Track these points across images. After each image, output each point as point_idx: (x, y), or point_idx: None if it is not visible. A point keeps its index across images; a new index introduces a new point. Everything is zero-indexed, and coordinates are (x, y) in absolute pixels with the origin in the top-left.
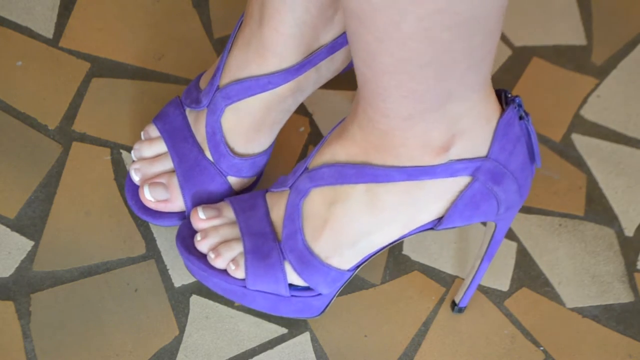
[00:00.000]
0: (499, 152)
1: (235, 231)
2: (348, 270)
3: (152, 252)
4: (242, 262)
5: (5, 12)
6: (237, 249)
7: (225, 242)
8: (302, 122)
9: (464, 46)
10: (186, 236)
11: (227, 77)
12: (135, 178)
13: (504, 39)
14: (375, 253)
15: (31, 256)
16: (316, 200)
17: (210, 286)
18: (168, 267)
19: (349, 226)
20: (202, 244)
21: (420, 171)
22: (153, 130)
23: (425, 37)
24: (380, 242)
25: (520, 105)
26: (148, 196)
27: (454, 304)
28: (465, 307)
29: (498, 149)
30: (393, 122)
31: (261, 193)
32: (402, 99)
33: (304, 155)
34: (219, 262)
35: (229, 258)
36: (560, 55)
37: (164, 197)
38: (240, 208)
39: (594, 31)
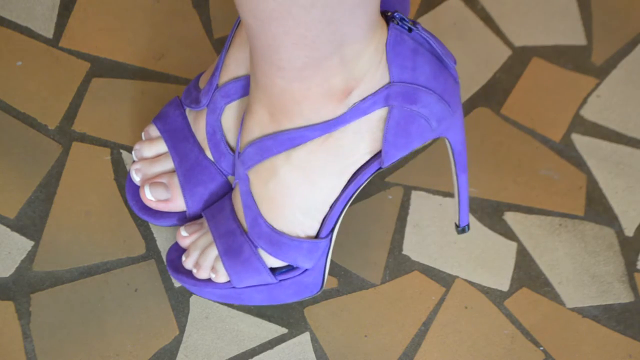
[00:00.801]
0: (400, 72)
1: (208, 237)
2: (319, 238)
3: (152, 252)
4: (219, 266)
5: (5, 12)
6: (212, 254)
7: (202, 251)
8: None
9: None
10: (174, 258)
11: (225, 76)
12: (136, 178)
13: (504, 39)
14: (338, 213)
15: (31, 256)
16: (255, 182)
17: (207, 297)
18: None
19: (291, 196)
20: (187, 262)
21: (331, 124)
22: (153, 130)
23: None
24: (327, 199)
25: (402, 19)
26: (149, 196)
27: (456, 226)
28: (468, 225)
29: (397, 70)
30: (289, 74)
31: (230, 194)
32: (294, 47)
33: None
34: (201, 274)
35: (209, 267)
36: (560, 55)
37: (165, 197)
38: (210, 214)
39: (594, 31)
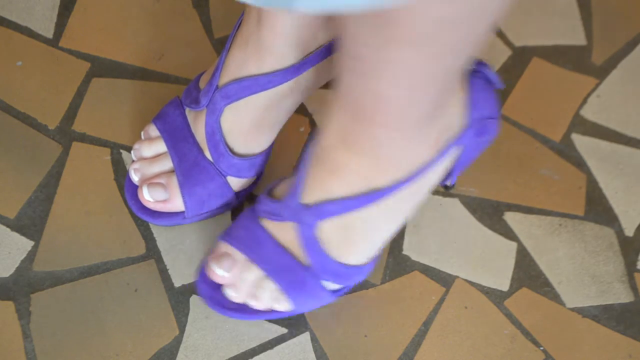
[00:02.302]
0: (478, 114)
1: (256, 271)
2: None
3: (152, 252)
4: (282, 297)
5: (5, 12)
6: (270, 286)
7: (257, 285)
8: (302, 122)
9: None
10: (213, 295)
11: (226, 77)
12: (135, 178)
13: (504, 39)
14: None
15: (31, 256)
16: (328, 228)
17: (264, 318)
18: (168, 267)
19: (372, 235)
20: (239, 298)
21: (423, 170)
22: (153, 130)
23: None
24: (396, 229)
25: (482, 70)
26: (147, 196)
27: (445, 186)
28: (454, 185)
29: (477, 112)
30: (394, 133)
31: (253, 222)
32: (409, 102)
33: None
34: (262, 305)
35: (269, 298)
36: (560, 55)
37: (163, 197)
38: (246, 247)
39: (594, 31)
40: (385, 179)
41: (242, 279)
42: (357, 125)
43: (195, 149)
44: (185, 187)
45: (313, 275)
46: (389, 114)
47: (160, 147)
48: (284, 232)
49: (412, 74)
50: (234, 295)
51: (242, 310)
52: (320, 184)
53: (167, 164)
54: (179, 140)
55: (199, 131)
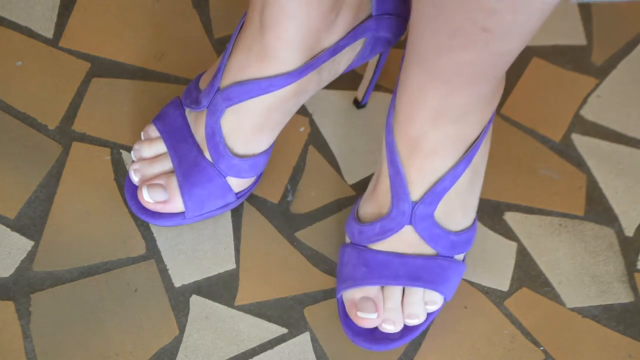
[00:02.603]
0: (380, 8)
1: (397, 291)
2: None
3: (152, 252)
4: (431, 297)
5: (5, 12)
6: (417, 297)
7: (408, 304)
8: (302, 122)
9: None
10: (369, 338)
11: (227, 79)
12: (135, 178)
13: None
14: None
15: (31, 256)
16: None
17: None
18: (168, 267)
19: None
20: (398, 326)
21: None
22: (153, 131)
23: None
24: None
25: None
26: (147, 197)
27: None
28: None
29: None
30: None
31: (177, 109)
32: None
33: (304, 155)
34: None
35: (420, 307)
36: (560, 55)
37: (163, 198)
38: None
39: (594, 31)
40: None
41: (387, 309)
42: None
43: (195, 150)
44: (184, 187)
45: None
46: None
47: (160, 147)
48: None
49: None
50: (393, 328)
51: (386, 341)
52: (237, 67)
53: (167, 164)
54: (179, 141)
55: (199, 132)
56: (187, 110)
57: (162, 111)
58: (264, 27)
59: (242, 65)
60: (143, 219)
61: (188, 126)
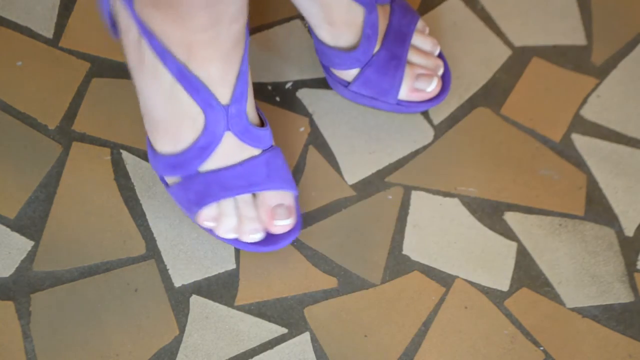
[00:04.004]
0: None
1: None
2: None
3: (152, 252)
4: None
5: (5, 12)
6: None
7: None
8: (302, 122)
9: None
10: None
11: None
12: (258, 235)
13: (504, 39)
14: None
15: (31, 256)
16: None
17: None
18: (168, 267)
19: None
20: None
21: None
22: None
23: None
24: None
25: None
26: (284, 222)
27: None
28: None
29: None
30: None
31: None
32: None
33: (304, 155)
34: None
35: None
36: (560, 55)
37: (291, 220)
38: None
39: (594, 31)
40: None
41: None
42: None
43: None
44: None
45: None
46: None
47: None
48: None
49: None
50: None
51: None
52: None
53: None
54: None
55: None
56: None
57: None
58: None
59: None
60: (261, 251)
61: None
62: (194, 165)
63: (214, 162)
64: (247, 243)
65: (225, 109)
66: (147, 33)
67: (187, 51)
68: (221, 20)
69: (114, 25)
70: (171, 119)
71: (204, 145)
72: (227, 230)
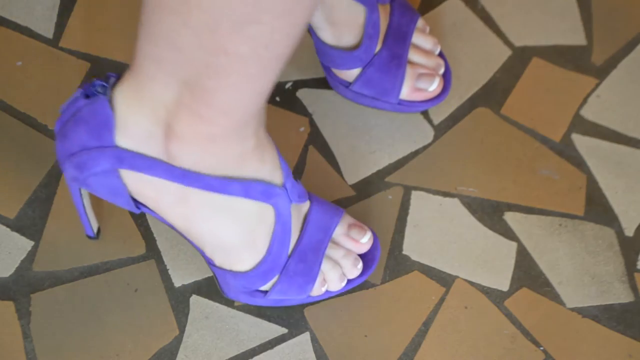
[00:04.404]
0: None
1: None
2: None
3: (152, 252)
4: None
5: (5, 12)
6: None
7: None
8: (302, 122)
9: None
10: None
11: None
12: (360, 264)
13: (504, 39)
14: None
15: (31, 256)
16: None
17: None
18: (168, 267)
19: None
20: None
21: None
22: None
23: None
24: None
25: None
26: (367, 236)
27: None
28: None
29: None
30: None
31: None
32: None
33: (304, 155)
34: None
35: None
36: (560, 55)
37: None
38: None
39: (594, 31)
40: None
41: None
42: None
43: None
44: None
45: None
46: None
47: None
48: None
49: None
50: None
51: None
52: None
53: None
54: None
55: None
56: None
57: None
58: None
59: None
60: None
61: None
62: (283, 256)
63: (293, 237)
64: (355, 281)
65: (284, 189)
66: (192, 177)
67: (242, 163)
68: (262, 118)
69: (135, 203)
70: (244, 235)
71: (282, 232)
72: (338, 280)
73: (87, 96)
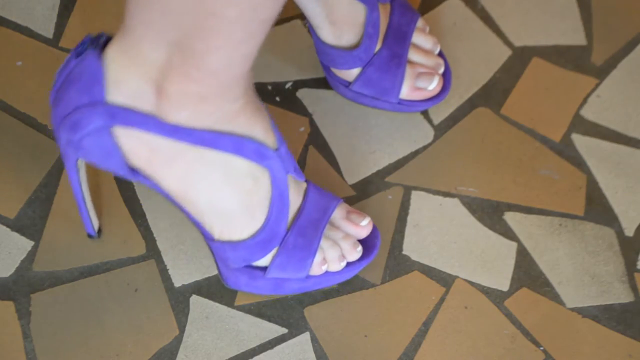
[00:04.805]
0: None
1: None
2: None
3: (152, 252)
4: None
5: (5, 12)
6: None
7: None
8: (302, 122)
9: None
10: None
11: None
12: (360, 247)
13: (504, 39)
14: None
15: (31, 256)
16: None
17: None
18: (168, 267)
19: None
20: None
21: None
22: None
23: None
24: None
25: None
26: (367, 220)
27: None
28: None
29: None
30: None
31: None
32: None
33: (304, 155)
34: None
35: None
36: (560, 55)
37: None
38: None
39: (594, 31)
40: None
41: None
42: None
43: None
44: None
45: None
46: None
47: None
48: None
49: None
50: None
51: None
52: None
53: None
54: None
55: None
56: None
57: None
58: None
59: None
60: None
61: None
62: (282, 227)
63: (291, 210)
64: (355, 265)
65: (278, 153)
66: (184, 132)
67: (232, 120)
68: (250, 77)
69: (132, 171)
70: (241, 199)
71: (279, 201)
72: (337, 260)
73: (78, 55)
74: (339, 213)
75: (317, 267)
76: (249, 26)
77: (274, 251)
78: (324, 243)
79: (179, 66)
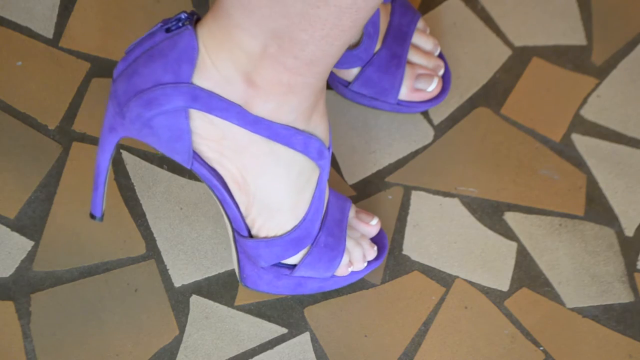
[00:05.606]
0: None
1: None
2: None
3: (152, 252)
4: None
5: (5, 12)
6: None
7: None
8: None
9: None
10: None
11: None
12: (363, 264)
13: (504, 39)
14: None
15: (31, 256)
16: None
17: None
18: (168, 267)
19: None
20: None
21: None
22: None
23: None
24: None
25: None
26: (376, 219)
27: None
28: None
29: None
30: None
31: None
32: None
33: None
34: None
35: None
36: (560, 55)
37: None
38: None
39: (594, 31)
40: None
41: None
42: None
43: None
44: None
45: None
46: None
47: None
48: None
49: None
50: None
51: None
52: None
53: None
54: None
55: None
56: None
57: None
58: None
59: None
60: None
61: None
62: (316, 225)
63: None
64: (370, 264)
65: (330, 152)
66: (264, 124)
67: (307, 118)
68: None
69: (210, 168)
70: (292, 195)
71: (319, 199)
72: (361, 260)
73: (167, 30)
74: (351, 213)
75: (344, 268)
76: (356, 14)
77: (304, 250)
78: (349, 243)
79: (275, 55)
